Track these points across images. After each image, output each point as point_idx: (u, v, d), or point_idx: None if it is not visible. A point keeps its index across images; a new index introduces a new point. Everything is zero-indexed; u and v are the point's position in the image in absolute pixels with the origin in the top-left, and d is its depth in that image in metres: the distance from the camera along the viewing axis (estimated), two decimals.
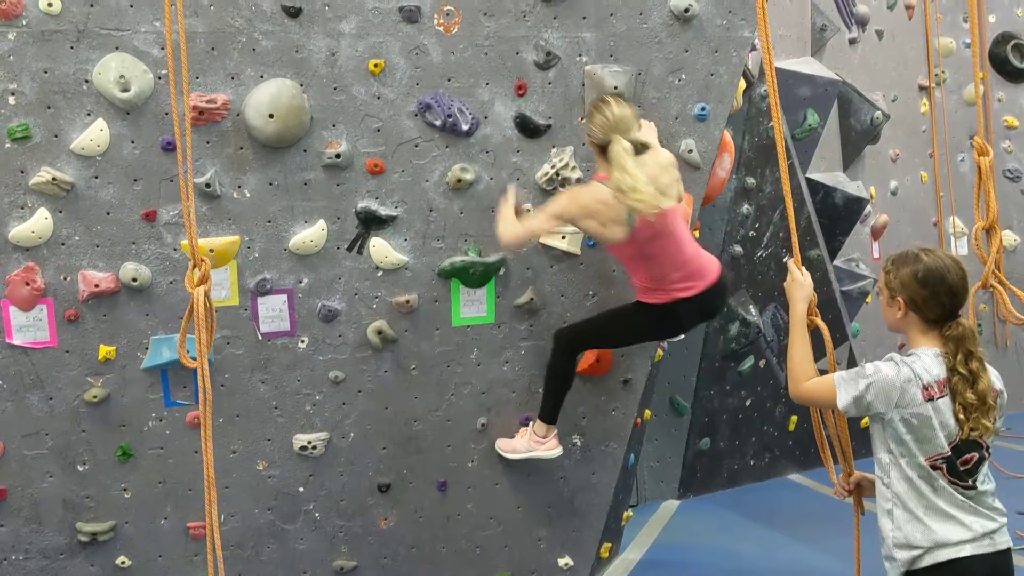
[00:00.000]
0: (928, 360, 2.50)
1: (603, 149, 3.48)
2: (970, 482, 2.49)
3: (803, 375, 2.72)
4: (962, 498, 2.48)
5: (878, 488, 2.59)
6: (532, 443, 3.90)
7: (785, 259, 5.93)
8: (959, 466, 2.48)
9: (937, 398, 2.46)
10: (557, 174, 3.80)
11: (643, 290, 3.67)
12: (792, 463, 6.51)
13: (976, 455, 2.49)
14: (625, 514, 4.71)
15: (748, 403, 6.20)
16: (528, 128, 3.78)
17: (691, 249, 3.66)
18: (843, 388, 2.55)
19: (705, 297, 3.66)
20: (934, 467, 2.48)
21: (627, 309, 3.79)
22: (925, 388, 2.46)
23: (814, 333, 2.90)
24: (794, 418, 6.41)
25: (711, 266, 3.69)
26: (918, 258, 2.56)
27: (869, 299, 6.71)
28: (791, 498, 6.09)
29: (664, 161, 3.58)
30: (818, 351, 2.85)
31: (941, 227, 7.12)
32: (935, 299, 2.52)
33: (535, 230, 3.63)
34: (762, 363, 6.18)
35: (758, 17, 2.88)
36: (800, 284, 2.92)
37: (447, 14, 3.65)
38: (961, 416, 2.45)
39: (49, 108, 3.42)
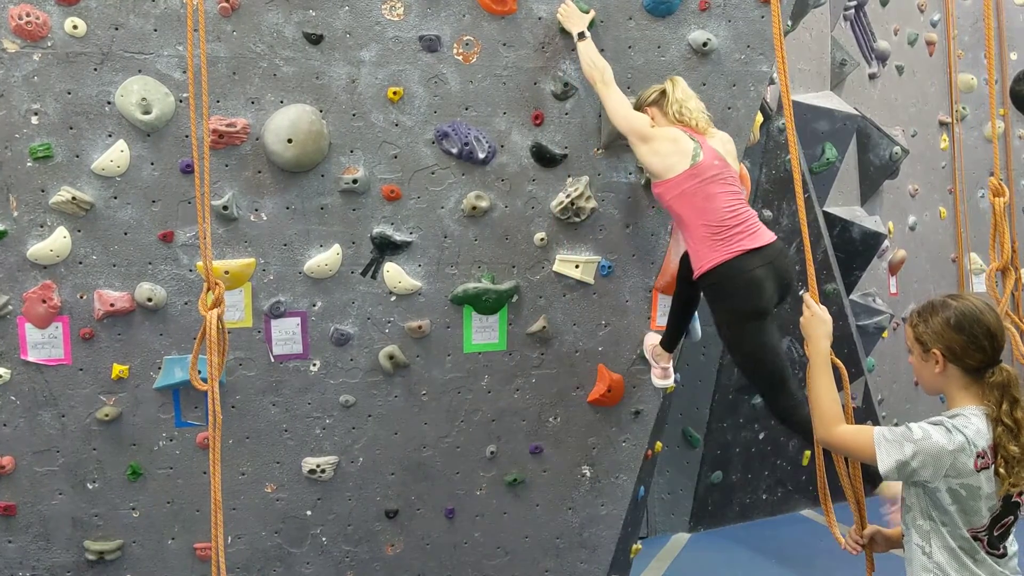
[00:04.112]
0: (979, 422, 2.32)
1: (659, 102, 3.62)
2: (1001, 548, 2.36)
3: (833, 419, 2.50)
4: (1000, 568, 2.35)
5: (916, 556, 2.40)
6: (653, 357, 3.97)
7: (801, 292, 5.94)
8: (994, 532, 2.34)
9: (991, 466, 2.29)
10: (572, 203, 3.81)
11: (705, 247, 3.45)
12: (805, 498, 6.44)
13: (1011, 518, 2.35)
14: (634, 547, 4.67)
15: (761, 436, 6.15)
16: (544, 157, 3.80)
17: (751, 211, 3.57)
18: (885, 450, 2.32)
19: (774, 253, 3.47)
20: (976, 538, 2.33)
21: (719, 319, 3.58)
22: (979, 456, 2.28)
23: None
24: (808, 453, 6.34)
25: (770, 231, 3.57)
26: (946, 304, 2.39)
27: (885, 334, 6.66)
28: (804, 534, 6.02)
29: (725, 135, 3.68)
30: None
31: (961, 263, 7.08)
32: (974, 343, 2.34)
33: (619, 112, 3.55)
34: None
35: (776, 51, 2.88)
36: (821, 320, 2.68)
37: (466, 44, 3.68)
38: (1003, 471, 2.28)
39: (71, 129, 3.47)
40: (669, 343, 3.90)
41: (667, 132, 3.56)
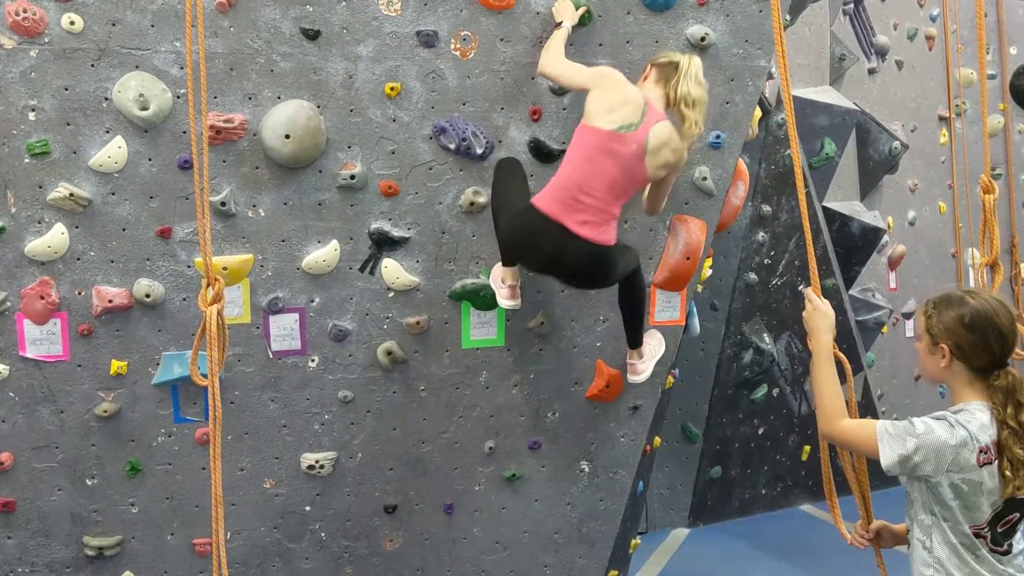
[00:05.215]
0: (983, 417, 2.31)
1: (664, 69, 3.47)
2: (1005, 546, 2.35)
3: (836, 413, 2.50)
4: (1001, 567, 2.34)
5: (917, 551, 2.42)
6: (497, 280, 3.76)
7: (801, 287, 5.94)
8: (998, 529, 2.34)
9: (994, 461, 2.28)
10: None
11: (551, 186, 3.40)
12: (805, 493, 6.45)
13: (1017, 515, 2.35)
14: (633, 542, 4.68)
15: (761, 432, 6.16)
16: (542, 153, 3.79)
17: (617, 211, 3.43)
18: (888, 444, 2.33)
19: (581, 250, 3.35)
20: (977, 535, 2.33)
21: (522, 201, 3.49)
22: (982, 451, 2.27)
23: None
24: (807, 447, 6.36)
25: (609, 237, 3.41)
26: (963, 301, 2.37)
27: (885, 329, 6.66)
28: (803, 529, 6.03)
29: (679, 145, 3.46)
30: None
31: (960, 258, 7.08)
32: (984, 345, 2.33)
33: (567, 74, 3.50)
34: (775, 392, 6.14)
35: (776, 46, 2.87)
36: (823, 314, 2.67)
37: (464, 39, 3.67)
38: (1008, 473, 2.27)
39: (69, 125, 3.47)
40: (506, 257, 3.68)
41: (630, 93, 3.39)
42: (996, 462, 2.29)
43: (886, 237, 6.51)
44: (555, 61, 3.54)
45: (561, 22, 3.61)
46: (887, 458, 2.32)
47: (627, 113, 3.36)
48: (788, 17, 5.06)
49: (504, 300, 3.72)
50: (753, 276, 5.79)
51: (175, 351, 3.66)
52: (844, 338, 6.11)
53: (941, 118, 7.06)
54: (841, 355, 2.73)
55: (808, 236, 2.87)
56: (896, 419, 2.45)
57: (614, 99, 3.38)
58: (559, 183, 3.41)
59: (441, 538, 4.04)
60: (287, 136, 3.53)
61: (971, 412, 2.33)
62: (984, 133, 3.69)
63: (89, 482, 3.71)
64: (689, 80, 3.43)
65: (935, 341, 2.40)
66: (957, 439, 2.28)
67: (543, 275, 3.69)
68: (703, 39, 3.78)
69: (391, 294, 3.80)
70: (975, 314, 2.35)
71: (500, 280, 3.73)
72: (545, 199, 3.41)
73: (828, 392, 2.54)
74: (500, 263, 3.74)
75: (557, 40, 3.59)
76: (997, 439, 2.30)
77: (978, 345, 2.34)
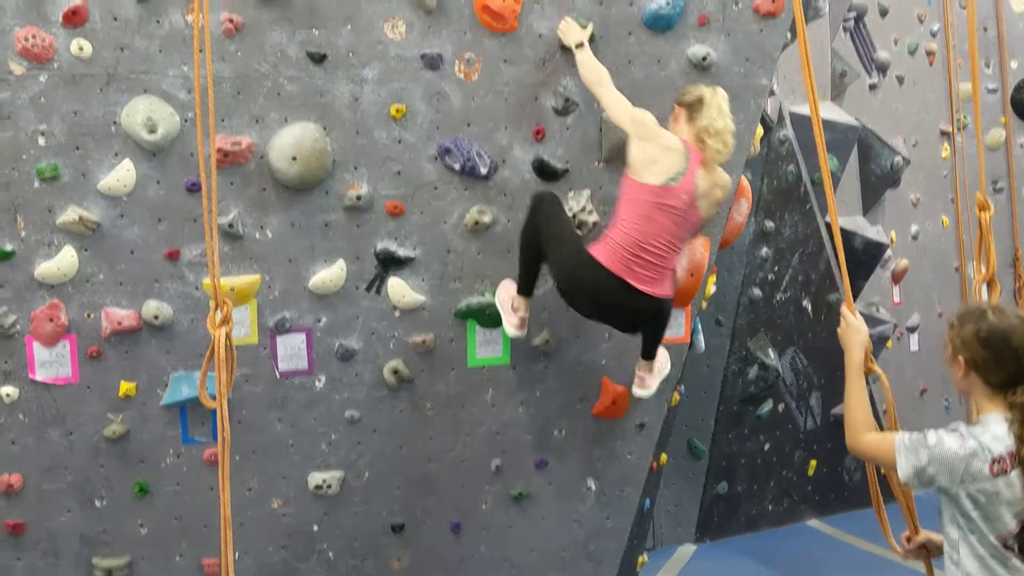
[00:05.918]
0: (999, 428, 2.35)
1: (692, 107, 3.49)
2: None
3: (862, 427, 2.57)
4: None
5: (947, 565, 2.44)
6: (505, 298, 3.78)
7: (805, 302, 5.95)
8: None
9: (1010, 471, 2.30)
10: (574, 217, 3.83)
11: (609, 242, 3.45)
12: (811, 509, 6.44)
13: None
14: (640, 559, 4.68)
15: (767, 447, 6.16)
16: (546, 172, 3.83)
17: (675, 261, 3.54)
18: (904, 456, 2.40)
19: (642, 305, 3.46)
20: (1006, 546, 2.33)
21: (578, 244, 3.53)
22: (995, 461, 2.31)
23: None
24: (813, 463, 6.35)
25: (667, 289, 3.52)
26: (983, 316, 2.43)
27: (889, 344, 6.66)
28: (809, 545, 6.01)
29: (724, 179, 3.58)
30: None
31: (964, 272, 7.08)
32: (997, 362, 2.39)
33: (612, 106, 3.54)
34: (781, 407, 6.14)
35: (803, 68, 2.90)
36: (856, 330, 2.78)
37: (468, 61, 3.71)
38: None
39: (78, 149, 3.50)
40: (525, 287, 3.75)
41: (669, 140, 3.46)
42: (1013, 473, 2.31)
43: (889, 251, 6.52)
44: (603, 84, 3.56)
45: (581, 42, 3.63)
46: (903, 471, 2.39)
47: (671, 162, 3.42)
48: (789, 35, 5.09)
49: (512, 329, 3.76)
50: (757, 292, 5.81)
51: (183, 372, 3.68)
52: None
53: (943, 132, 7.08)
54: (878, 369, 2.81)
55: (841, 253, 2.97)
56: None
57: (655, 149, 3.43)
58: (618, 240, 3.44)
59: (448, 557, 4.05)
60: (294, 158, 3.56)
61: (985, 424, 2.38)
62: (979, 150, 3.71)
63: (98, 503, 3.73)
64: (711, 110, 3.48)
65: (955, 353, 2.47)
66: (967, 450, 2.31)
67: (592, 320, 3.72)
68: (704, 59, 3.82)
69: (397, 313, 3.82)
70: (991, 331, 2.40)
71: (511, 307, 3.76)
72: (604, 253, 3.44)
73: (855, 407, 2.63)
74: (511, 286, 3.78)
75: (592, 59, 3.60)
76: (1015, 450, 2.32)
77: (992, 361, 2.39)
